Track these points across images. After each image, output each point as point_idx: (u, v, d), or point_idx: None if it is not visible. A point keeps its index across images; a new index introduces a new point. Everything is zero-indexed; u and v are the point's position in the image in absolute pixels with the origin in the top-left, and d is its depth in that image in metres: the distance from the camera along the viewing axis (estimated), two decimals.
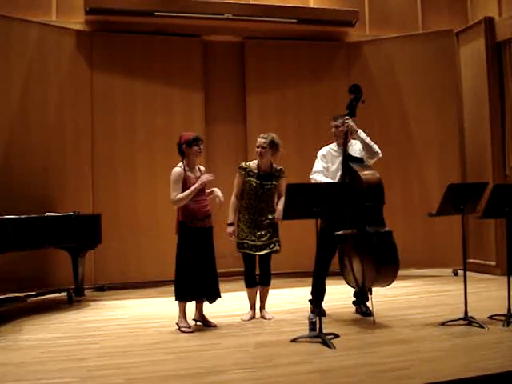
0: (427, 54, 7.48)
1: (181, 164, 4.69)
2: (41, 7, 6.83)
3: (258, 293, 5.05)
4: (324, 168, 5.04)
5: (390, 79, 7.60)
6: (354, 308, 5.15)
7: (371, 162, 4.97)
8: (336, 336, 4.19)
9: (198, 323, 4.77)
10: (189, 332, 4.54)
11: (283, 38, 7.55)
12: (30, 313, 5.39)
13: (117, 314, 5.41)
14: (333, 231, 4.74)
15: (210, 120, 7.38)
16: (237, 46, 7.58)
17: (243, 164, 4.98)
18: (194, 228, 4.63)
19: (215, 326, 4.72)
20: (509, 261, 4.68)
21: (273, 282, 5.09)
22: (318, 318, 4.19)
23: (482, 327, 4.30)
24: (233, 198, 4.98)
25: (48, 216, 5.64)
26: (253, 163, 4.97)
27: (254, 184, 4.88)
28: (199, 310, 4.79)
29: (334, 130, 5.06)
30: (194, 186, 4.58)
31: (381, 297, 5.36)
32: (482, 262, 7.21)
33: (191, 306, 4.72)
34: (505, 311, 4.47)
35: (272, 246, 4.90)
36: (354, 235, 4.72)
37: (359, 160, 4.92)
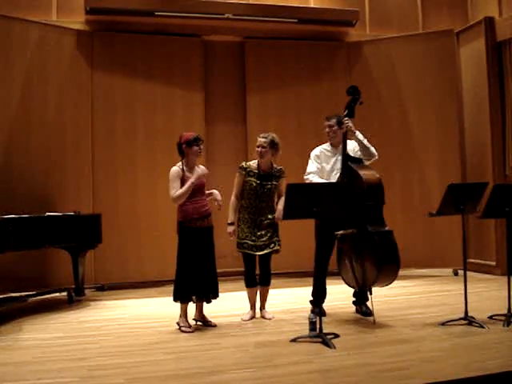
0: (427, 54, 7.48)
1: (180, 164, 4.68)
2: (41, 7, 6.83)
3: (258, 293, 5.05)
4: (318, 168, 5.05)
5: (390, 79, 7.60)
6: (354, 308, 5.16)
7: (367, 163, 5.00)
8: (336, 336, 4.19)
9: (198, 323, 4.77)
10: (189, 332, 4.54)
11: (283, 37, 7.55)
12: (30, 312, 5.39)
13: (117, 314, 5.41)
14: (329, 230, 4.74)
15: (210, 120, 7.38)
16: (237, 45, 7.58)
17: (243, 164, 4.98)
18: (192, 228, 4.63)
19: (215, 326, 4.72)
20: (509, 261, 4.67)
21: (273, 281, 5.09)
22: (318, 317, 4.19)
23: (482, 327, 4.30)
24: (233, 197, 4.98)
25: (48, 216, 5.64)
26: (253, 163, 4.97)
27: (254, 184, 4.88)
28: (199, 309, 4.79)
29: (327, 129, 5.07)
30: (191, 180, 4.56)
31: (381, 297, 5.36)
32: (482, 261, 7.22)
33: (191, 306, 4.72)
34: (505, 311, 4.47)
35: (272, 245, 4.90)
36: (354, 235, 4.73)
37: (358, 160, 4.93)
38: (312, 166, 5.08)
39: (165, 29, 7.16)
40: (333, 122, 5.04)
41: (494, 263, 7.02)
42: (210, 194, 4.82)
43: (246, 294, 5.06)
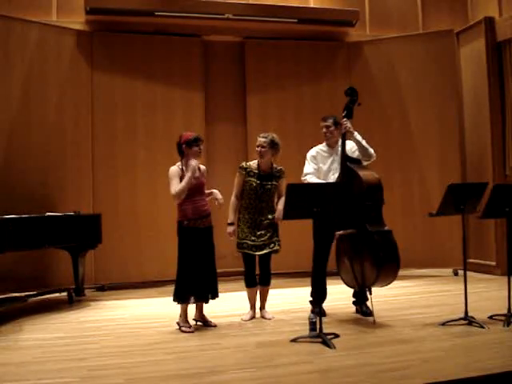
0: (427, 54, 7.48)
1: (179, 163, 4.68)
2: (41, 7, 6.83)
3: (258, 293, 5.05)
4: (315, 169, 5.05)
5: (390, 79, 7.60)
6: (354, 308, 5.16)
7: (365, 163, 5.01)
8: (336, 336, 4.19)
9: (198, 323, 4.77)
10: (189, 332, 4.54)
11: (283, 38, 7.55)
12: (31, 313, 5.39)
13: (117, 314, 5.41)
14: (327, 230, 4.73)
15: (210, 120, 7.38)
16: (237, 45, 7.58)
17: (243, 164, 4.98)
18: (192, 228, 4.63)
19: (215, 326, 4.72)
20: (509, 261, 4.67)
21: (273, 281, 5.09)
22: (318, 317, 4.19)
23: (482, 327, 4.30)
24: (233, 197, 4.98)
25: (48, 216, 5.64)
26: (253, 163, 4.97)
27: (255, 184, 4.88)
28: (199, 309, 4.79)
29: (324, 130, 5.08)
30: (188, 174, 4.54)
31: (381, 297, 5.36)
32: (483, 261, 7.21)
33: (192, 306, 4.72)
34: (505, 311, 4.47)
35: (272, 245, 4.90)
36: (354, 235, 4.73)
37: (357, 161, 4.95)
38: (309, 166, 5.08)
39: (165, 29, 7.16)
40: (330, 122, 5.05)
41: (494, 263, 7.02)
42: (210, 193, 4.82)
43: (245, 294, 5.06)
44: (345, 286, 5.02)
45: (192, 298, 4.62)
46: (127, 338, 4.44)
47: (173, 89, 7.15)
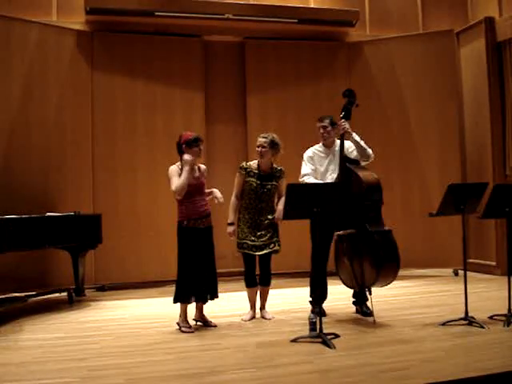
0: (427, 54, 7.48)
1: (178, 163, 4.67)
2: (41, 7, 6.83)
3: (258, 293, 5.05)
4: (312, 170, 5.05)
5: (390, 79, 7.60)
6: (354, 308, 5.16)
7: (363, 163, 5.03)
8: (336, 336, 4.19)
9: (199, 323, 4.77)
10: (189, 332, 4.54)
11: (283, 38, 7.55)
12: (31, 313, 5.39)
13: (117, 314, 5.41)
14: (325, 230, 4.73)
15: (210, 120, 7.38)
16: (237, 46, 7.58)
17: (244, 164, 4.98)
18: (191, 228, 4.62)
19: (215, 326, 4.71)
20: (509, 261, 4.67)
21: (273, 281, 5.09)
22: (318, 318, 4.19)
23: (483, 327, 4.30)
24: (233, 197, 4.98)
25: (48, 216, 5.64)
26: (253, 163, 4.97)
27: (255, 184, 4.88)
28: (199, 310, 4.79)
29: (321, 131, 5.08)
30: (186, 168, 4.53)
31: (381, 297, 5.36)
32: (483, 262, 7.21)
33: (192, 306, 4.72)
34: (505, 311, 4.46)
35: (272, 245, 4.90)
36: (354, 235, 4.73)
37: (355, 162, 4.97)
38: (306, 168, 5.08)
39: (165, 29, 7.16)
40: (326, 122, 5.07)
41: (494, 263, 7.02)
42: (210, 192, 4.82)
43: (246, 294, 5.06)
44: (345, 286, 5.02)
45: (192, 298, 4.62)
46: (127, 338, 4.44)
47: (173, 89, 7.15)
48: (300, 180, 5.05)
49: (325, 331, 4.13)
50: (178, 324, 4.64)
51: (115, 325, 4.93)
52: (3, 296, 5.67)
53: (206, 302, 4.72)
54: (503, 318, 4.43)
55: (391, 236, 4.71)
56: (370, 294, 4.74)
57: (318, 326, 4.14)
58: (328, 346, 3.95)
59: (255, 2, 7.45)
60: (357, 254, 4.72)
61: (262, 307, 5.06)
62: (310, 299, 5.08)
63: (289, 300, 5.87)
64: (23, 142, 6.35)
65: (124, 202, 6.88)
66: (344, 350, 3.88)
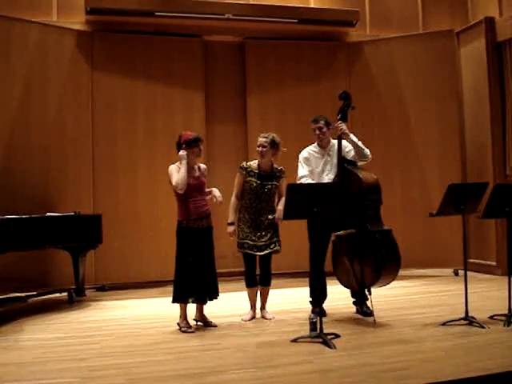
0: (427, 54, 7.48)
1: (178, 163, 4.66)
2: (41, 7, 6.83)
3: (259, 293, 5.05)
4: (309, 171, 5.05)
5: (391, 79, 7.60)
6: (354, 308, 5.16)
7: (360, 164, 5.04)
8: (336, 336, 4.19)
9: (199, 323, 4.77)
10: (189, 332, 4.54)
11: (283, 38, 7.55)
12: (31, 313, 5.39)
13: (117, 314, 5.41)
14: (323, 230, 4.73)
15: (210, 120, 7.38)
16: (237, 46, 7.58)
17: (244, 164, 4.98)
18: (191, 228, 4.62)
19: (216, 326, 4.72)
20: (509, 261, 4.67)
21: (273, 282, 5.09)
22: (318, 318, 4.19)
23: (483, 327, 4.30)
24: (233, 197, 4.98)
25: (49, 216, 5.65)
26: (253, 163, 4.97)
27: (255, 184, 4.88)
28: (200, 310, 4.79)
29: (317, 132, 5.08)
30: (182, 163, 4.54)
31: (381, 297, 5.36)
32: (483, 262, 7.21)
33: (192, 306, 4.72)
34: (505, 311, 4.47)
35: (272, 246, 4.91)
36: (354, 235, 4.74)
37: (353, 162, 4.99)
38: (303, 169, 5.07)
39: (165, 29, 7.16)
40: (322, 123, 5.07)
41: (494, 263, 7.02)
42: (210, 192, 4.82)
43: (246, 294, 5.06)
44: (343, 286, 5.01)
45: (190, 299, 4.61)
46: (128, 338, 4.44)
47: (173, 89, 7.15)
48: (297, 182, 5.04)
49: (325, 331, 4.12)
50: (178, 324, 4.64)
51: (115, 325, 4.93)
52: (4, 296, 5.67)
53: (206, 303, 4.72)
54: (503, 318, 4.43)
55: (392, 235, 4.73)
56: (370, 293, 4.74)
57: (318, 326, 4.14)
58: (328, 346, 3.95)
59: (255, 2, 7.45)
60: (357, 253, 4.72)
61: (263, 307, 5.06)
62: (310, 299, 5.08)
63: (289, 300, 5.87)
64: (23, 142, 6.36)
65: (124, 202, 6.88)
66: (344, 350, 3.88)
